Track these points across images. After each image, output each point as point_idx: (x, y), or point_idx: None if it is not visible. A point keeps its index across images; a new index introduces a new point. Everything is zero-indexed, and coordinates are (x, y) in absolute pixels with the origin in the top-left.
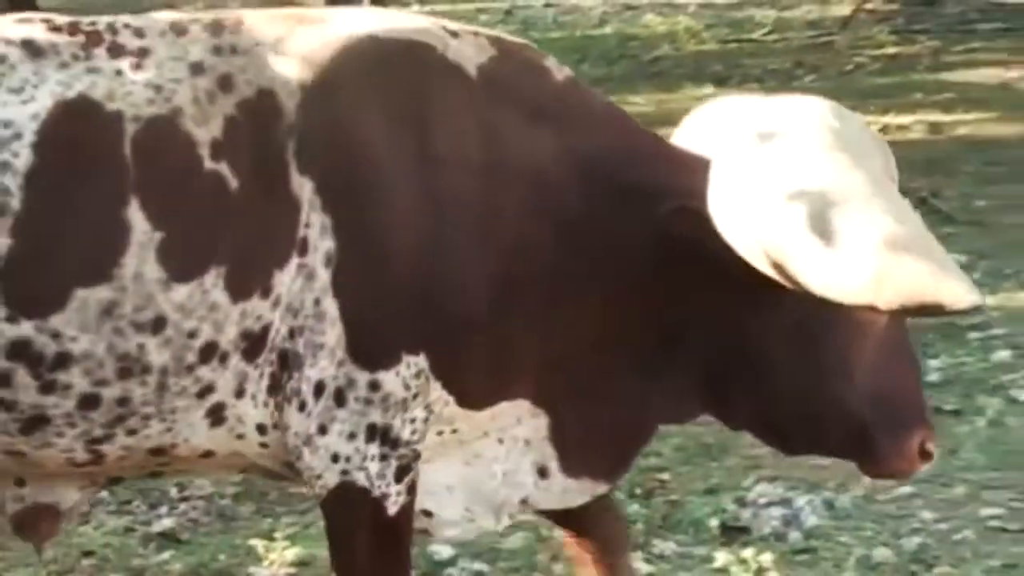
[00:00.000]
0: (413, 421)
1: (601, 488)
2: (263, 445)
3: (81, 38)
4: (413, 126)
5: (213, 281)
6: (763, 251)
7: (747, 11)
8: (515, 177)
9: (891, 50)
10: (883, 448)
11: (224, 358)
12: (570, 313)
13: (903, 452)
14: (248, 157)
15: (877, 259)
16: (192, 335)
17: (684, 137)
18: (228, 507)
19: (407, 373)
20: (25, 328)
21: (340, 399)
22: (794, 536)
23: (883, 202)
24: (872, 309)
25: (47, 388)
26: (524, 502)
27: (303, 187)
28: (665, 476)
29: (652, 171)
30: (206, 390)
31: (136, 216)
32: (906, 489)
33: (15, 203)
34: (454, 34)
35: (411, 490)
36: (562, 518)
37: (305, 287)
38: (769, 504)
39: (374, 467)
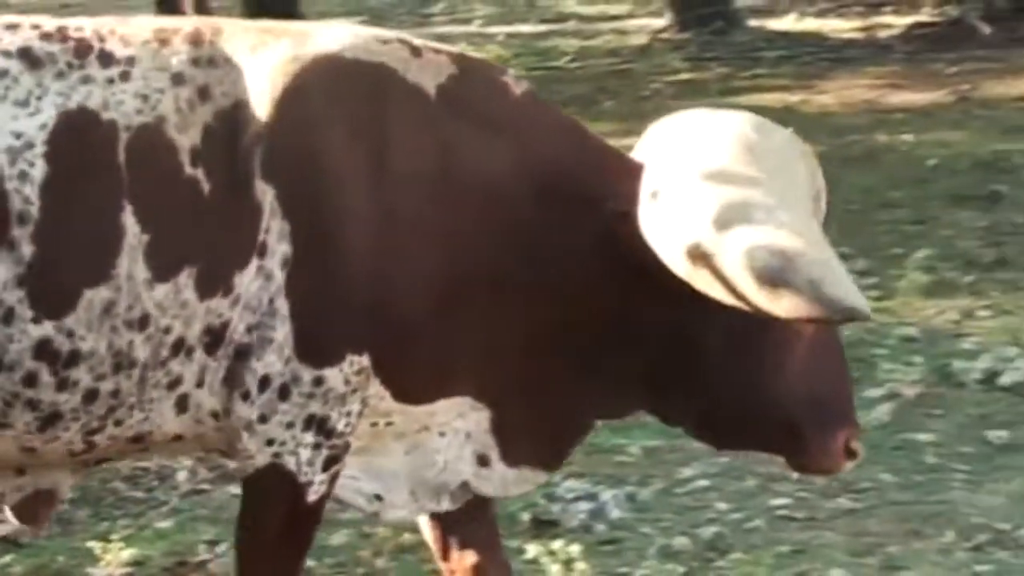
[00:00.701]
0: (348, 414)
1: (541, 478)
2: (218, 430)
3: (72, 44)
4: (370, 141)
5: (185, 281)
6: (678, 263)
7: (552, 40)
8: (467, 190)
9: (684, 76)
10: (811, 446)
11: (190, 352)
12: (514, 317)
13: (829, 450)
14: (220, 164)
15: (773, 270)
16: (167, 331)
17: (643, 148)
18: (66, 512)
19: (349, 371)
20: (47, 328)
21: (284, 393)
22: (600, 528)
23: (784, 215)
24: (773, 317)
25: (61, 385)
26: (464, 487)
27: (265, 194)
28: None
29: (599, 179)
30: (175, 382)
31: (129, 220)
32: (702, 482)
33: (34, 211)
34: (416, 52)
35: (332, 480)
36: (443, 547)
37: (263, 287)
38: (576, 499)
39: (305, 454)
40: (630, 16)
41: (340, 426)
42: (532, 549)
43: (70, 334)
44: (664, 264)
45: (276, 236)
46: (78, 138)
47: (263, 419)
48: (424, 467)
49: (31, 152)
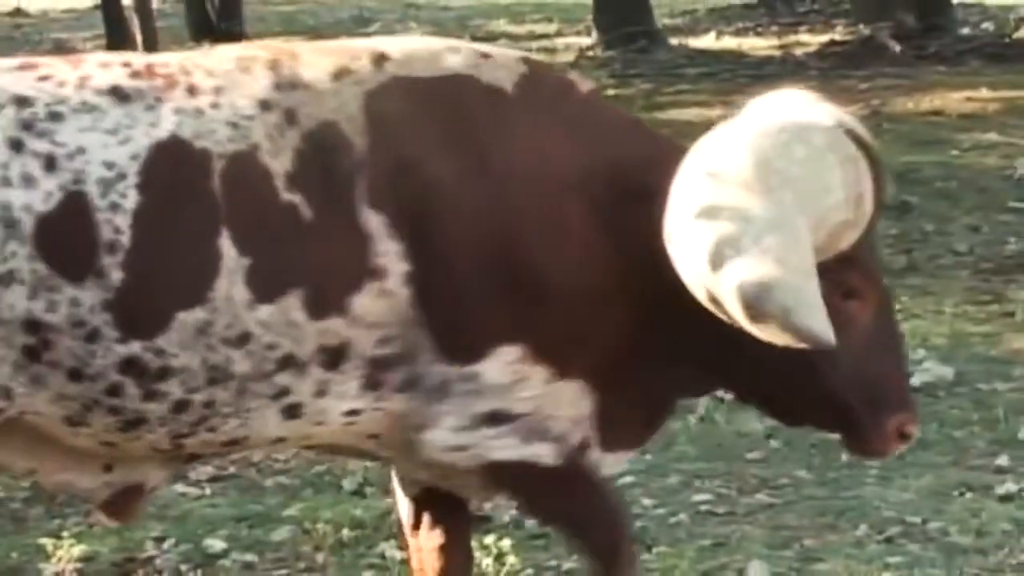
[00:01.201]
0: (524, 399)
1: (629, 455)
2: (348, 425)
3: (161, 81)
4: (465, 148)
5: (292, 302)
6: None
7: None
8: (558, 181)
9: (611, 92)
10: (865, 429)
11: (303, 367)
12: (609, 304)
13: (882, 434)
14: (318, 188)
15: (753, 302)
16: (272, 348)
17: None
18: (19, 510)
19: (504, 360)
20: (134, 347)
21: (446, 391)
22: (530, 523)
23: (772, 239)
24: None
25: (149, 396)
26: None
27: (373, 221)
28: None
29: (664, 176)
30: (281, 393)
31: (226, 244)
32: (627, 479)
33: (125, 240)
34: (486, 55)
35: (559, 440)
36: (415, 522)
37: (388, 306)
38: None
39: (497, 443)
40: (558, 35)
41: (519, 409)
42: None
43: (160, 352)
44: None
45: (393, 257)
46: (171, 167)
47: (434, 418)
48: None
49: (123, 183)
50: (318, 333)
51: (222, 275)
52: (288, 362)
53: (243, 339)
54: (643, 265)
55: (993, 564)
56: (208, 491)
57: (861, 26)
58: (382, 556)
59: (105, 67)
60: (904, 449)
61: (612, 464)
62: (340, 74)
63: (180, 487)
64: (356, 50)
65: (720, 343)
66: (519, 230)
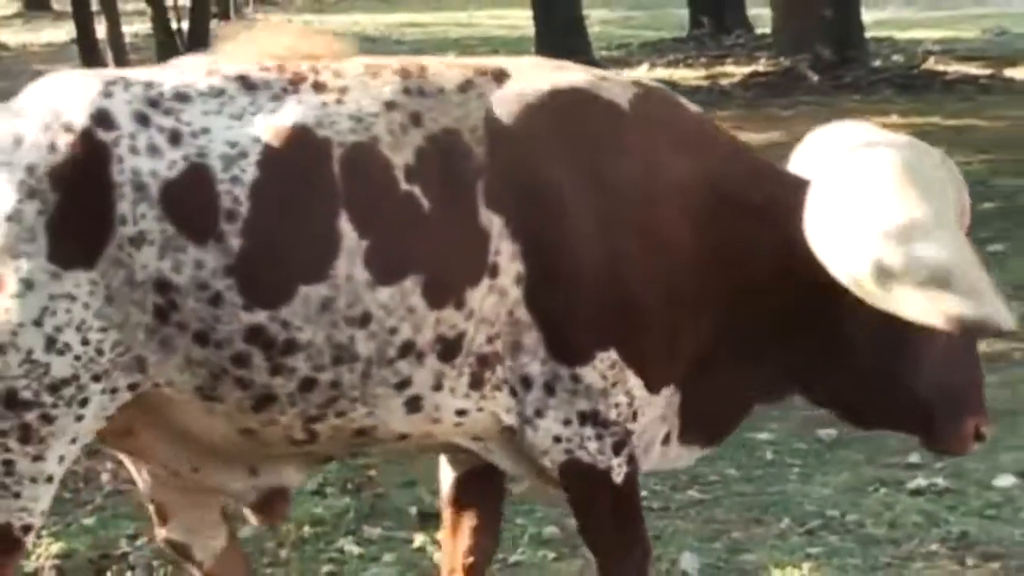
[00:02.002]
0: (618, 405)
1: (703, 452)
2: (458, 425)
3: (288, 75)
4: (584, 161)
5: (411, 287)
6: (846, 278)
7: None
8: (668, 194)
9: None
10: (944, 430)
11: (421, 357)
12: (709, 313)
13: (960, 435)
14: (437, 184)
15: (932, 290)
16: (393, 332)
17: (797, 160)
18: None
19: (602, 367)
20: (259, 316)
21: (550, 390)
22: None
23: (944, 235)
24: (933, 328)
25: (276, 370)
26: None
27: (492, 221)
28: (372, 472)
29: (770, 192)
30: (404, 383)
31: (346, 226)
32: None
33: (244, 210)
34: (603, 77)
35: (631, 461)
36: (456, 498)
37: (498, 303)
38: None
39: (593, 445)
40: None
41: (612, 416)
42: (419, 539)
43: (285, 324)
44: (823, 272)
45: (507, 257)
46: (291, 151)
47: (539, 414)
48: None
49: (244, 160)
50: (436, 322)
51: (342, 254)
52: (408, 349)
53: (365, 319)
54: (740, 276)
55: (905, 553)
56: None
57: (782, 58)
58: (340, 551)
59: (236, 62)
60: (976, 449)
61: (685, 458)
62: (465, 87)
63: None
64: (481, 66)
65: (808, 353)
66: (624, 242)
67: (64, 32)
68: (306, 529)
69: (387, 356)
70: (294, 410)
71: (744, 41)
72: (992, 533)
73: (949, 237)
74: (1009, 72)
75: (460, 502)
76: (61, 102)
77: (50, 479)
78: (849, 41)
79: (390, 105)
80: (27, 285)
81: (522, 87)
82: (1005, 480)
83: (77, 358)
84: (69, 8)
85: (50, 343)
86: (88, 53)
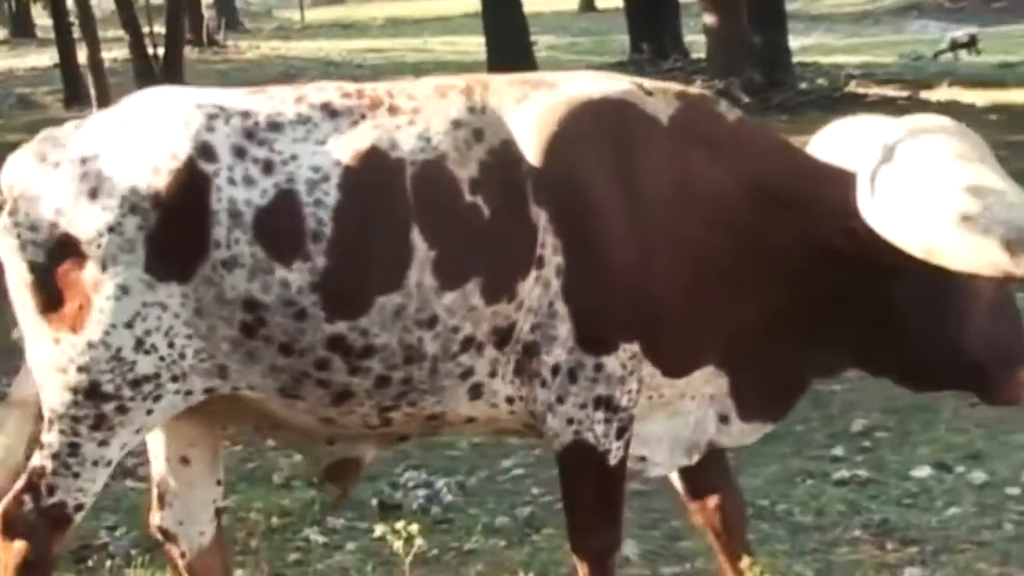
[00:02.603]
0: (629, 392)
1: (768, 427)
2: (511, 412)
3: (367, 102)
4: (620, 165)
5: (472, 289)
6: (920, 247)
7: None
8: (699, 201)
9: None
10: (998, 382)
11: (480, 348)
12: (747, 302)
13: (1014, 383)
14: (497, 192)
15: (1012, 239)
16: (456, 330)
17: (818, 151)
18: None
19: (624, 356)
20: (340, 327)
21: (573, 377)
22: (435, 510)
23: (1013, 193)
24: (1011, 278)
25: (354, 371)
26: (709, 443)
27: (539, 217)
28: None
29: (811, 186)
30: (467, 373)
31: (417, 238)
32: (519, 471)
33: (327, 231)
34: (649, 92)
35: (627, 446)
36: (692, 491)
37: (542, 294)
38: (416, 486)
39: (600, 428)
40: None
41: (624, 402)
42: (379, 528)
43: (363, 332)
44: (881, 253)
45: (551, 250)
46: (368, 172)
47: (560, 400)
48: (680, 429)
49: (327, 183)
50: (492, 315)
51: (414, 265)
52: (469, 343)
53: (432, 322)
54: (787, 265)
55: (830, 539)
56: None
57: (716, 81)
58: (306, 540)
59: (321, 89)
60: None
61: (750, 434)
62: (521, 100)
63: (130, 483)
64: (536, 81)
65: (861, 329)
66: (652, 245)
67: (47, 57)
68: (274, 520)
69: (451, 351)
70: (370, 402)
71: (681, 65)
72: (910, 520)
73: (1016, 193)
74: (924, 94)
75: (699, 491)
76: (166, 128)
77: (109, 463)
78: (777, 65)
79: (456, 123)
80: (123, 291)
81: (570, 97)
82: (922, 471)
83: (161, 359)
84: (52, 35)
85: (139, 344)
86: (70, 77)
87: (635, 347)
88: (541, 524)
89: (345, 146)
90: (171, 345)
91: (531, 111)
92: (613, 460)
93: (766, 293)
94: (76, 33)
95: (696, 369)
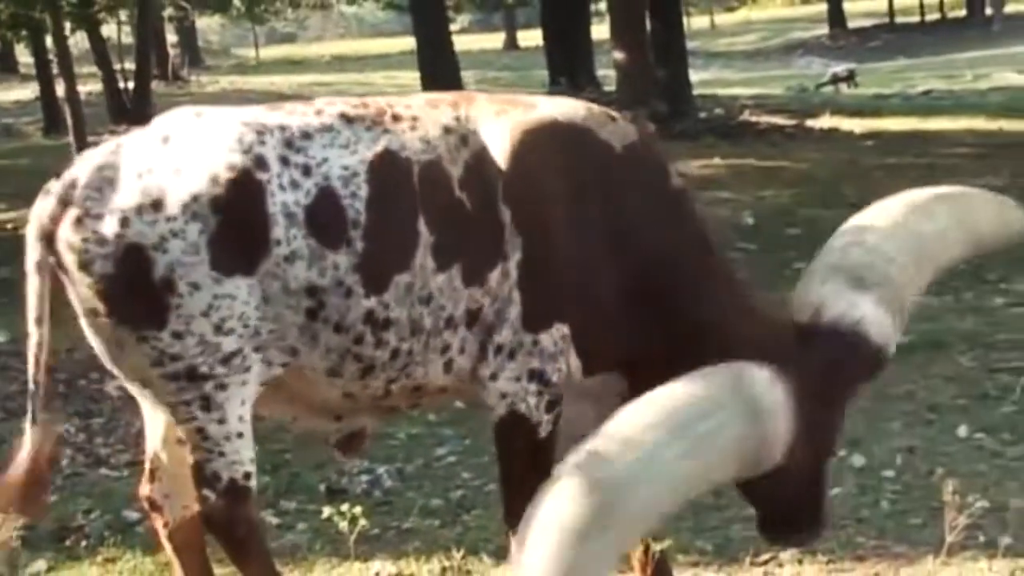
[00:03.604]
0: (559, 370)
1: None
2: (469, 384)
3: (373, 111)
4: (570, 179)
5: (456, 272)
6: None
7: None
8: (631, 212)
9: None
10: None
11: (456, 327)
12: (649, 318)
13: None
14: (476, 190)
15: None
16: (442, 308)
17: None
18: None
19: (556, 335)
20: (372, 302)
21: (512, 355)
22: (377, 494)
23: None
24: None
25: (378, 344)
26: None
27: (506, 215)
28: (288, 456)
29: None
30: (445, 348)
31: (422, 226)
32: (451, 458)
33: (362, 218)
34: (612, 119)
35: (556, 420)
36: None
37: (503, 281)
38: (359, 473)
39: (532, 400)
40: None
41: (554, 378)
42: (327, 511)
43: (386, 306)
44: None
45: (512, 246)
46: (386, 169)
47: (494, 377)
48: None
49: (357, 179)
50: (468, 297)
51: (420, 248)
52: (450, 321)
53: (429, 299)
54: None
55: (728, 517)
56: (126, 473)
57: (624, 111)
58: (261, 521)
59: (331, 103)
60: None
61: None
62: (499, 114)
63: (104, 471)
64: (515, 100)
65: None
66: (590, 246)
67: (29, 91)
68: None
69: (438, 327)
70: (384, 375)
71: (595, 97)
72: (848, 505)
73: None
74: (809, 122)
75: None
76: (219, 143)
77: (240, 434)
78: (679, 97)
79: (447, 129)
80: (194, 287)
81: (539, 116)
82: (858, 461)
83: (240, 336)
84: (33, 71)
85: (217, 328)
86: (49, 108)
87: (565, 328)
88: (471, 506)
89: (365, 148)
90: (246, 325)
91: (506, 124)
92: (543, 432)
93: (651, 320)
94: (55, 69)
95: (603, 371)
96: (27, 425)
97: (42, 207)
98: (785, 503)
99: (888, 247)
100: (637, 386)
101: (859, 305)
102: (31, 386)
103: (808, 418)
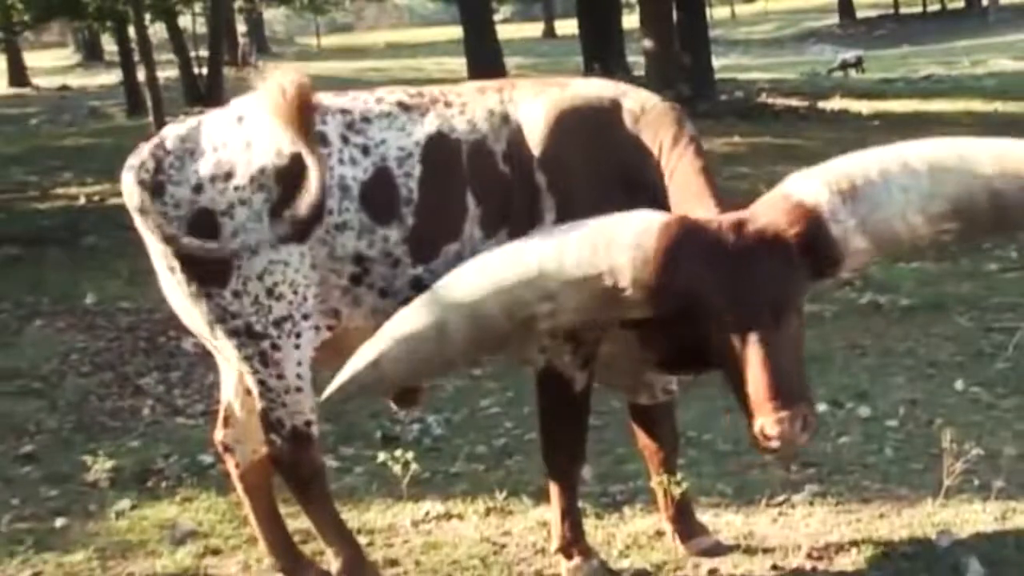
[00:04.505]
0: (592, 329)
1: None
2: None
3: (428, 99)
4: (591, 148)
5: (502, 238)
6: None
7: None
8: (630, 183)
9: None
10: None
11: None
12: None
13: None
14: (517, 161)
15: None
16: None
17: None
18: (67, 436)
19: None
20: (419, 270)
21: None
22: (427, 441)
23: None
24: None
25: None
26: (665, 388)
27: (542, 181)
28: (347, 406)
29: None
30: None
31: (470, 199)
32: (495, 409)
33: (414, 196)
34: (624, 93)
35: (590, 377)
36: (639, 423)
37: None
38: (411, 422)
39: (567, 358)
40: None
41: (587, 337)
42: (381, 456)
43: (433, 273)
44: None
45: (547, 207)
46: (438, 150)
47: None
48: (641, 370)
49: (411, 160)
50: None
51: (468, 220)
52: None
53: None
54: None
55: (746, 463)
56: (201, 421)
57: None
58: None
59: (391, 92)
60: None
61: (673, 380)
62: (537, 95)
63: (181, 419)
64: (551, 81)
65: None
66: (610, 207)
67: (114, 76)
68: None
69: None
70: None
71: (625, 81)
72: (809, 447)
73: None
74: (820, 104)
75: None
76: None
77: (299, 389)
78: (702, 81)
79: (491, 111)
80: (253, 252)
81: (573, 94)
82: (819, 408)
83: (290, 303)
84: (117, 58)
85: (269, 292)
86: (131, 92)
87: None
88: (513, 451)
89: (419, 131)
90: (295, 292)
91: (542, 101)
92: (578, 386)
93: None
94: (136, 57)
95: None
96: None
97: (138, 162)
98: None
99: (904, 179)
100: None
101: (821, 192)
102: None
103: (719, 276)
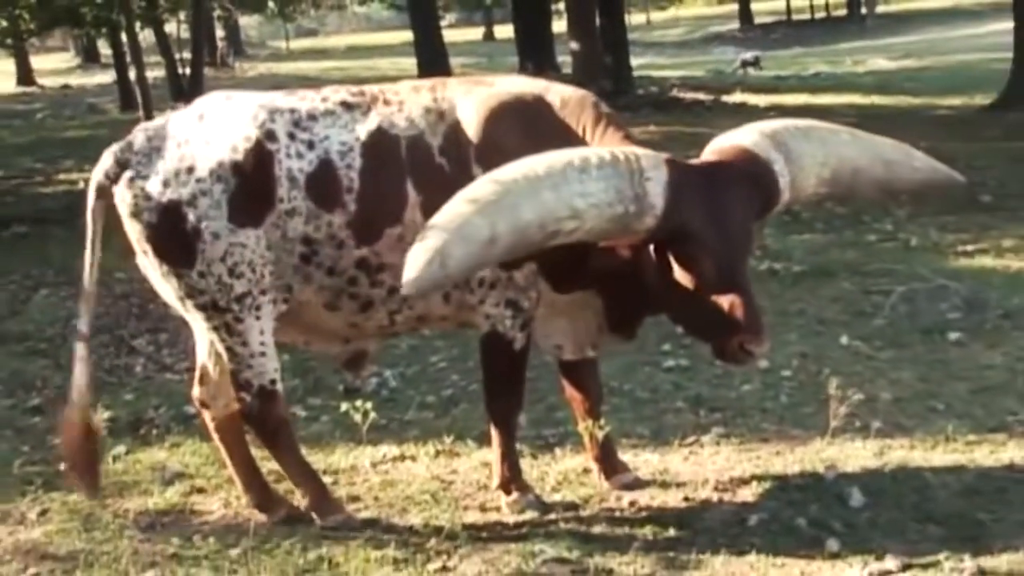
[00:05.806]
0: (530, 298)
1: (625, 343)
2: (471, 308)
3: (368, 98)
4: (526, 137)
5: None
6: None
7: None
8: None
9: None
10: (718, 344)
11: None
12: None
13: (730, 347)
14: (453, 155)
15: None
16: None
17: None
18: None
19: (526, 271)
20: (364, 251)
21: (492, 286)
22: (384, 392)
23: None
24: None
25: (374, 284)
26: (594, 345)
27: (478, 173)
28: (313, 363)
29: None
30: None
31: (410, 189)
32: (443, 364)
33: (356, 185)
34: (549, 89)
35: (528, 338)
36: (567, 375)
37: None
38: (370, 376)
39: (508, 322)
40: None
41: (525, 305)
42: (344, 406)
43: (377, 254)
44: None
45: None
46: (378, 144)
47: (482, 302)
48: (579, 330)
49: (352, 153)
50: None
51: (409, 206)
52: None
53: None
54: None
55: (661, 409)
56: (186, 377)
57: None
58: (292, 414)
59: (336, 91)
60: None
61: (611, 343)
62: (467, 93)
63: (169, 375)
64: (480, 79)
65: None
66: None
67: (109, 76)
68: None
69: None
70: (384, 308)
71: (554, 78)
72: (716, 395)
73: None
74: (724, 98)
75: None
76: (239, 120)
77: (263, 353)
78: (622, 77)
79: (427, 109)
80: (215, 236)
81: (498, 91)
82: (763, 363)
83: (249, 280)
84: (112, 60)
85: (231, 272)
86: (124, 90)
87: (533, 266)
88: (459, 401)
89: (360, 128)
90: (253, 271)
91: (473, 100)
92: (517, 346)
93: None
94: (128, 59)
95: (577, 290)
96: (76, 359)
97: (102, 166)
98: (701, 310)
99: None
100: (610, 303)
101: (764, 142)
102: (84, 290)
103: (692, 209)
